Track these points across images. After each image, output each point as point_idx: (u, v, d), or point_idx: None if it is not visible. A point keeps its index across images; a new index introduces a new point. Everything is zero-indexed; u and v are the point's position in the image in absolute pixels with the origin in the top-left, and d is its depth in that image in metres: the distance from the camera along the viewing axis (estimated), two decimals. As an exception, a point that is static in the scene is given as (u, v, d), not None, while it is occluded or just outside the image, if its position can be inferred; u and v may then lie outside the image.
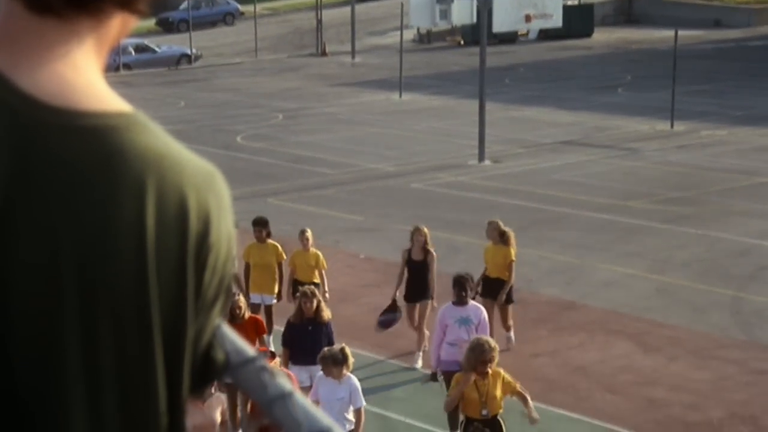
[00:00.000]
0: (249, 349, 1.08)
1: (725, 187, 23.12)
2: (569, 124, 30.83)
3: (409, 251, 13.41)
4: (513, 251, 13.48)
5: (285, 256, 13.52)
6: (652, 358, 13.77)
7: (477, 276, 13.29)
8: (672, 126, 29.86)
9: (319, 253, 13.80)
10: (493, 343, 9.72)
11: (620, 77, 40.06)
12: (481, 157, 25.99)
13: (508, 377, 9.83)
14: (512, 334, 13.68)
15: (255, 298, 13.17)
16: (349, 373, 9.61)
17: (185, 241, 1.04)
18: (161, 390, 1.02)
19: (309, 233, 13.74)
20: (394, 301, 13.08)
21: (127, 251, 1.00)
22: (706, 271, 17.33)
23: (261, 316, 12.34)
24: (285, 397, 0.99)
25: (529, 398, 9.97)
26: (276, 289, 13.40)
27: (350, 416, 9.51)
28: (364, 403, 9.71)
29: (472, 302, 11.57)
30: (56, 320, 0.98)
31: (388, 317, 12.88)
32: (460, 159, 26.18)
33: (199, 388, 1.11)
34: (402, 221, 20.52)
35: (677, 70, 30.01)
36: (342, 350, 9.59)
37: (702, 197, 22.24)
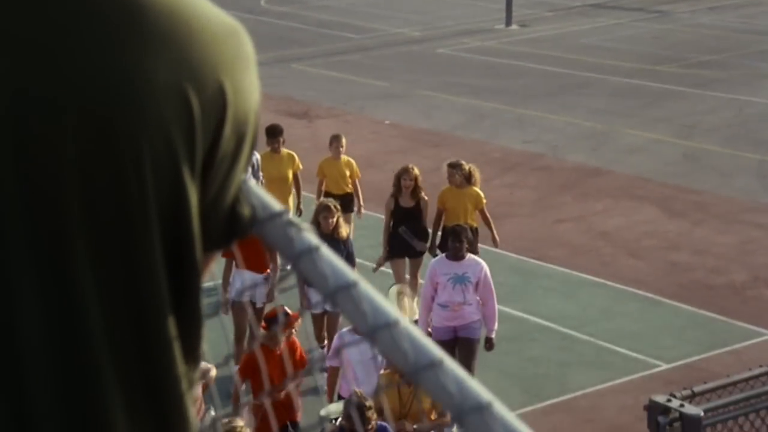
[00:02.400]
0: (275, 204, 1.09)
1: (758, 50, 22.69)
2: (599, -13, 30.15)
3: (396, 198, 10.89)
4: (482, 193, 11.01)
5: (301, 166, 11.92)
6: (676, 222, 13.81)
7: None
8: (704, -12, 29.14)
9: (352, 160, 12.12)
10: None
11: (652, -63, 38.95)
12: (508, 22, 25.56)
13: None
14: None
15: None
16: None
17: (198, 94, 1.04)
18: (157, 250, 1.03)
19: (344, 140, 12.08)
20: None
21: (131, 100, 1.01)
22: (734, 135, 17.20)
23: None
24: (311, 251, 1.00)
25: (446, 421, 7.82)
26: (292, 204, 11.76)
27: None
28: None
29: (471, 256, 9.27)
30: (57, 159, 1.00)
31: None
32: (487, 23, 25.76)
33: (227, 243, 1.13)
34: (428, 87, 20.37)
35: (711, -71, 29.10)
36: None
37: (733, 60, 21.87)
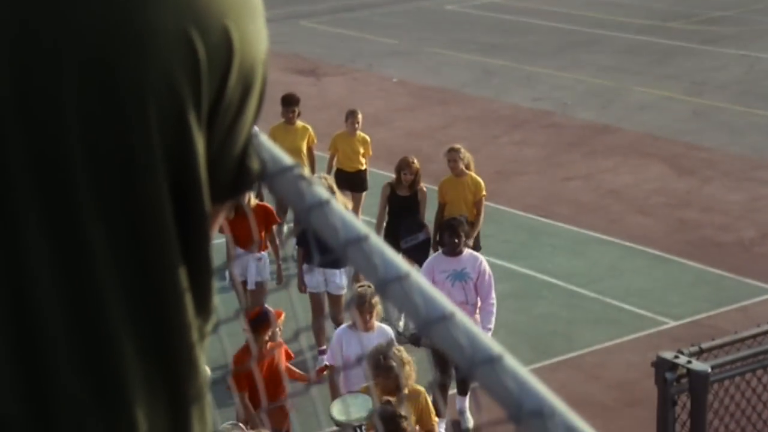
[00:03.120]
0: (286, 158, 1.09)
1: (768, 6, 22.49)
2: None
3: (393, 187, 10.11)
4: (482, 182, 10.03)
5: (316, 140, 11.28)
6: (685, 180, 13.79)
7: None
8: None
9: (368, 137, 11.49)
10: (404, 354, 6.55)
11: None
12: (516, -23, 25.36)
13: (429, 408, 6.93)
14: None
15: None
16: (379, 323, 7.38)
17: (203, 40, 1.03)
18: (165, 202, 1.03)
19: (360, 116, 11.40)
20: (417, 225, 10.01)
21: (134, 45, 1.00)
22: (744, 92, 17.10)
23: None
24: (322, 205, 1.00)
25: None
26: None
27: None
28: None
29: (468, 251, 8.59)
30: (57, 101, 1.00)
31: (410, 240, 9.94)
32: (496, -21, 25.56)
33: (234, 196, 1.13)
34: (436, 44, 20.25)
35: None
36: (369, 294, 7.06)
37: (744, 16, 21.68)
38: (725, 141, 15.08)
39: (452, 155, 9.95)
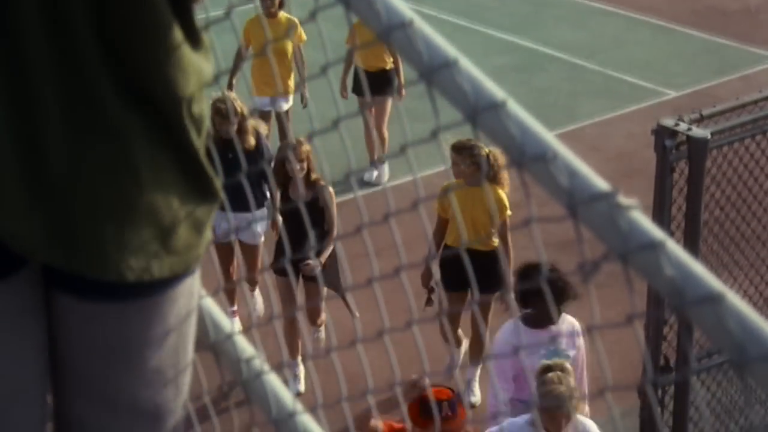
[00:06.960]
0: None
1: None
2: None
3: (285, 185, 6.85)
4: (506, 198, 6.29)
5: (305, 37, 8.36)
6: None
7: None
8: None
9: None
10: None
11: None
12: None
13: None
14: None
15: (262, 102, 8.33)
16: (582, 417, 4.93)
17: None
18: None
19: None
20: None
21: None
22: None
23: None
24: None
25: None
26: (293, 86, 8.42)
27: None
28: None
29: (565, 316, 5.40)
30: None
31: None
32: None
33: None
34: None
35: None
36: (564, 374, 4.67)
37: None
38: None
39: (455, 157, 6.07)
